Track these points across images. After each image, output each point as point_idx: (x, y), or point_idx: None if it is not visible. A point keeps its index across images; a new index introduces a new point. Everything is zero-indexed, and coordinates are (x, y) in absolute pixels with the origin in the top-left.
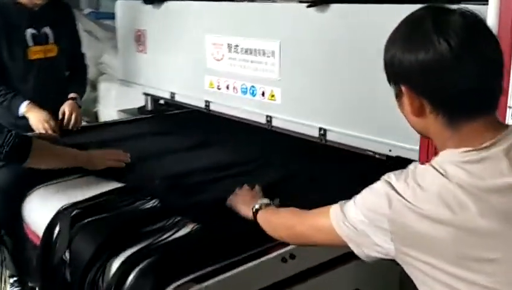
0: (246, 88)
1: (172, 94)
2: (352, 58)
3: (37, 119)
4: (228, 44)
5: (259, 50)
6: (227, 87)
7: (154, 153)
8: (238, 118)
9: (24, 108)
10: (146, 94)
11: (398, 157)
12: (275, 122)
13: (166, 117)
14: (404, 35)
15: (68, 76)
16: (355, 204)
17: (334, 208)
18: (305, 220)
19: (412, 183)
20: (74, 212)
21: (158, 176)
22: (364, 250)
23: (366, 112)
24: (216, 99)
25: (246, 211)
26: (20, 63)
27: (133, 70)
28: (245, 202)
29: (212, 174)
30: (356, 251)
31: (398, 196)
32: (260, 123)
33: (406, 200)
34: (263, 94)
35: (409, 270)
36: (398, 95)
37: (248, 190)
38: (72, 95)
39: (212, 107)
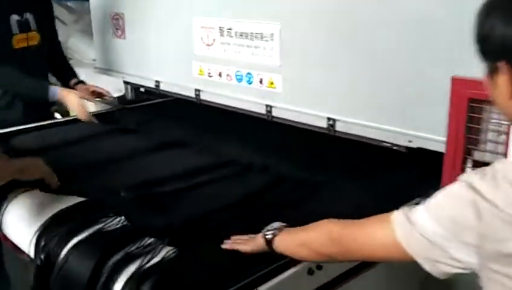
0: (241, 75)
1: (157, 83)
2: (364, 39)
3: (77, 106)
4: (220, 27)
5: (256, 33)
6: (220, 75)
7: (120, 156)
8: (233, 108)
9: (58, 93)
10: (126, 83)
11: (420, 149)
12: (275, 113)
13: (137, 109)
14: (504, 4)
15: (53, 65)
16: (427, 212)
17: (398, 217)
18: (357, 231)
19: (505, 185)
20: (45, 251)
21: (124, 185)
22: (439, 266)
23: (380, 98)
24: (207, 87)
25: (253, 244)
26: (4, 52)
27: (111, 57)
28: (247, 239)
29: (191, 180)
30: (428, 268)
31: (487, 203)
32: (258, 114)
33: (499, 208)
34: (261, 82)
35: (488, 285)
36: (493, 74)
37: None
38: (75, 80)
39: (203, 96)
